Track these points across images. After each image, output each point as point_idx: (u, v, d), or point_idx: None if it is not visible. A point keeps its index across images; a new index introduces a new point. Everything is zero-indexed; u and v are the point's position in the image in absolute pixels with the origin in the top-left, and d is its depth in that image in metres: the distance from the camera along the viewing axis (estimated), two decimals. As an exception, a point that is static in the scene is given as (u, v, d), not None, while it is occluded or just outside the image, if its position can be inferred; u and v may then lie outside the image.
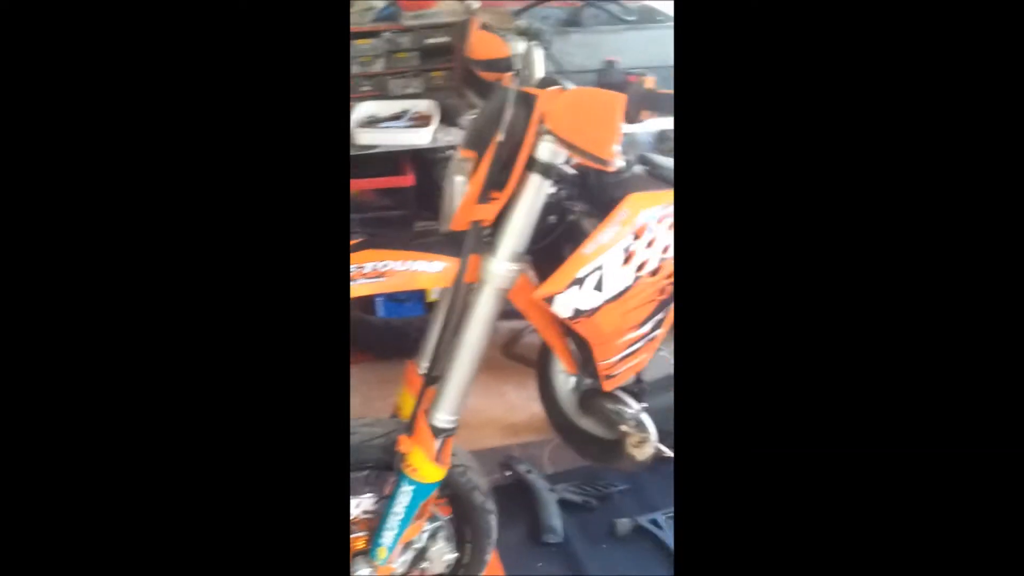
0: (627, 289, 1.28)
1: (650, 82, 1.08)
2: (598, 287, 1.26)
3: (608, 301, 1.27)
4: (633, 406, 1.42)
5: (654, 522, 1.89)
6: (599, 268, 1.25)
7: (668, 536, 1.85)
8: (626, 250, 1.27)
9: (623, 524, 1.89)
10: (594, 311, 1.27)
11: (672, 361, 1.47)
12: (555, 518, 1.90)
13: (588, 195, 1.34)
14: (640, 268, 1.28)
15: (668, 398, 1.46)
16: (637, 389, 1.45)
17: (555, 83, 1.23)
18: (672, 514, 1.91)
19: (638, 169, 1.36)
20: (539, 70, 1.29)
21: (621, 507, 1.97)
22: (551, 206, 1.32)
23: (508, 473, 2.04)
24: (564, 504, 1.97)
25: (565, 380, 1.55)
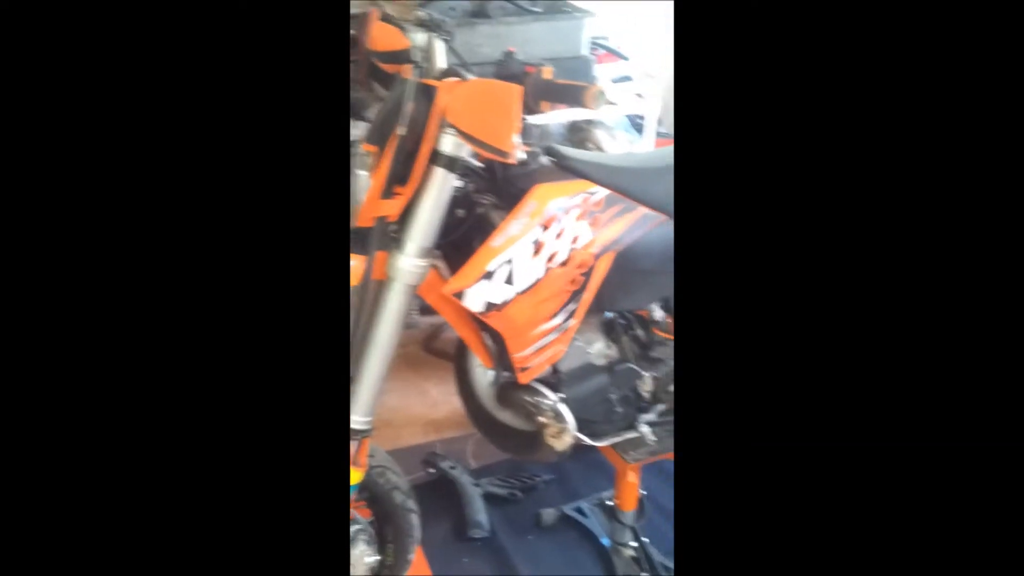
0: (538, 281, 1.28)
1: (548, 72, 1.07)
2: (508, 280, 1.25)
3: (519, 293, 1.26)
4: (550, 397, 1.41)
5: (579, 510, 1.90)
6: (509, 261, 1.24)
7: (594, 523, 1.86)
8: (535, 242, 1.26)
9: (548, 514, 1.89)
10: (505, 304, 1.26)
11: (590, 350, 1.48)
12: (480, 512, 1.89)
13: (496, 187, 1.32)
14: (550, 259, 1.28)
15: (586, 387, 1.47)
16: (554, 380, 1.45)
17: (456, 75, 1.21)
18: (598, 501, 1.92)
19: (545, 160, 1.35)
20: (440, 62, 1.27)
21: (546, 497, 1.97)
22: (459, 199, 1.30)
23: (431, 470, 2.02)
24: (489, 498, 1.96)
25: (483, 374, 1.54)
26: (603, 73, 2.65)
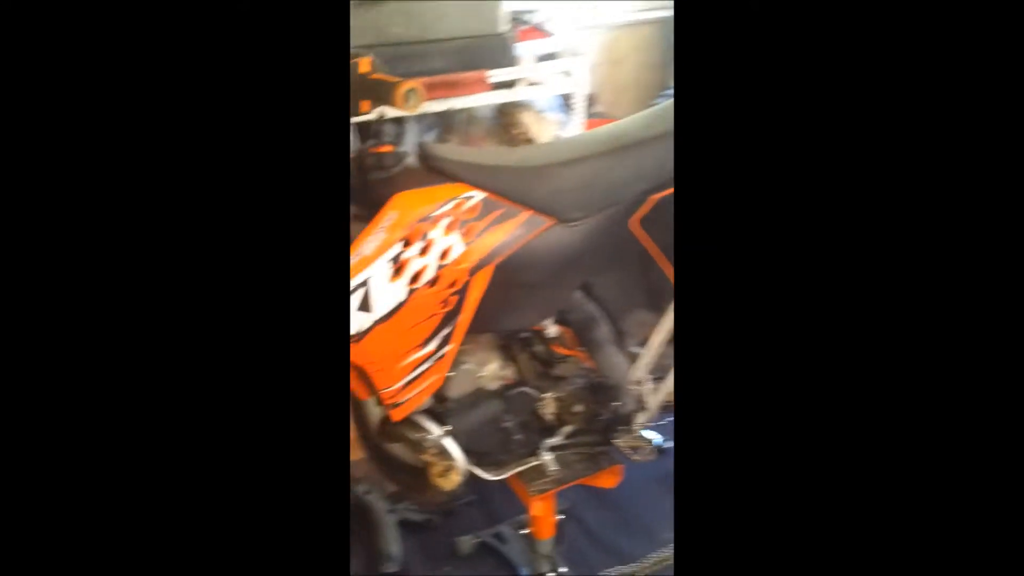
0: (401, 305, 1.10)
1: (365, 64, 0.89)
2: (364, 307, 1.08)
3: (379, 322, 1.09)
4: (433, 431, 1.25)
5: (498, 536, 1.75)
6: (363, 285, 1.07)
7: (513, 550, 1.71)
8: (395, 260, 1.09)
9: (464, 542, 1.73)
10: (364, 335, 1.09)
11: (482, 373, 1.31)
12: (393, 544, 1.73)
13: (352, 197, 1.14)
14: (415, 279, 1.11)
15: (476, 415, 1.30)
16: (441, 410, 1.28)
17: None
18: (519, 523, 1.77)
19: (411, 162, 1.18)
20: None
21: (466, 521, 1.81)
22: (311, 213, 1.12)
23: (342, 497, 1.85)
24: (405, 524, 1.80)
25: (372, 401, 1.37)
26: (526, 51, 2.46)
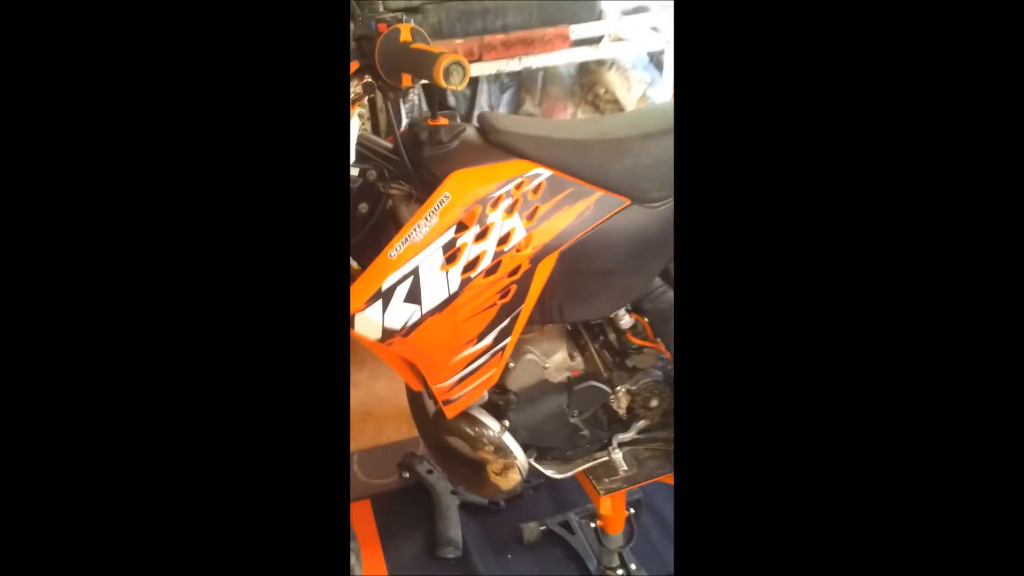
0: (454, 296, 1.00)
1: (406, 31, 0.78)
2: (413, 298, 0.98)
3: (429, 314, 1.00)
4: (492, 428, 1.16)
5: (565, 525, 1.66)
6: (412, 274, 0.98)
7: (580, 542, 1.62)
8: (449, 246, 0.99)
9: (530, 530, 1.65)
10: (413, 328, 1.00)
11: (547, 364, 1.21)
12: (454, 528, 1.67)
13: (406, 173, 1.05)
14: (471, 267, 1.00)
15: (540, 410, 1.21)
16: (502, 402, 1.19)
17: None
18: (588, 513, 1.68)
19: (470, 135, 1.06)
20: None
21: (532, 508, 1.73)
22: (362, 190, 1.04)
23: (406, 475, 1.80)
24: (467, 507, 1.73)
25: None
26: (611, 5, 2.29)
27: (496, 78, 2.31)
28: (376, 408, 2.12)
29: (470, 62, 2.17)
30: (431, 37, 2.11)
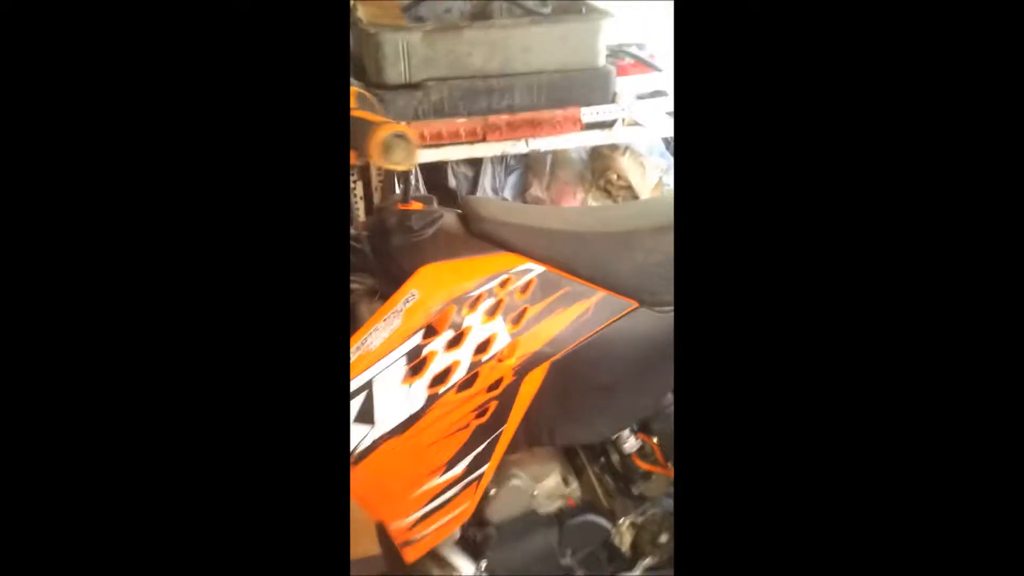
0: (419, 415, 0.83)
1: (351, 94, 0.63)
2: (365, 417, 0.81)
3: (387, 437, 0.82)
4: (465, 571, 0.96)
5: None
6: (365, 387, 0.80)
7: None
8: (414, 354, 0.82)
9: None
10: (365, 455, 0.82)
11: (535, 491, 1.02)
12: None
13: (370, 264, 0.89)
14: (441, 380, 0.83)
15: (526, 548, 1.01)
16: (479, 537, 0.99)
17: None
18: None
19: (450, 221, 0.91)
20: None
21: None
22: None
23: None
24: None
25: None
26: (626, 87, 2.18)
27: (501, 160, 2.19)
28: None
29: (473, 142, 2.08)
30: (432, 115, 2.02)
